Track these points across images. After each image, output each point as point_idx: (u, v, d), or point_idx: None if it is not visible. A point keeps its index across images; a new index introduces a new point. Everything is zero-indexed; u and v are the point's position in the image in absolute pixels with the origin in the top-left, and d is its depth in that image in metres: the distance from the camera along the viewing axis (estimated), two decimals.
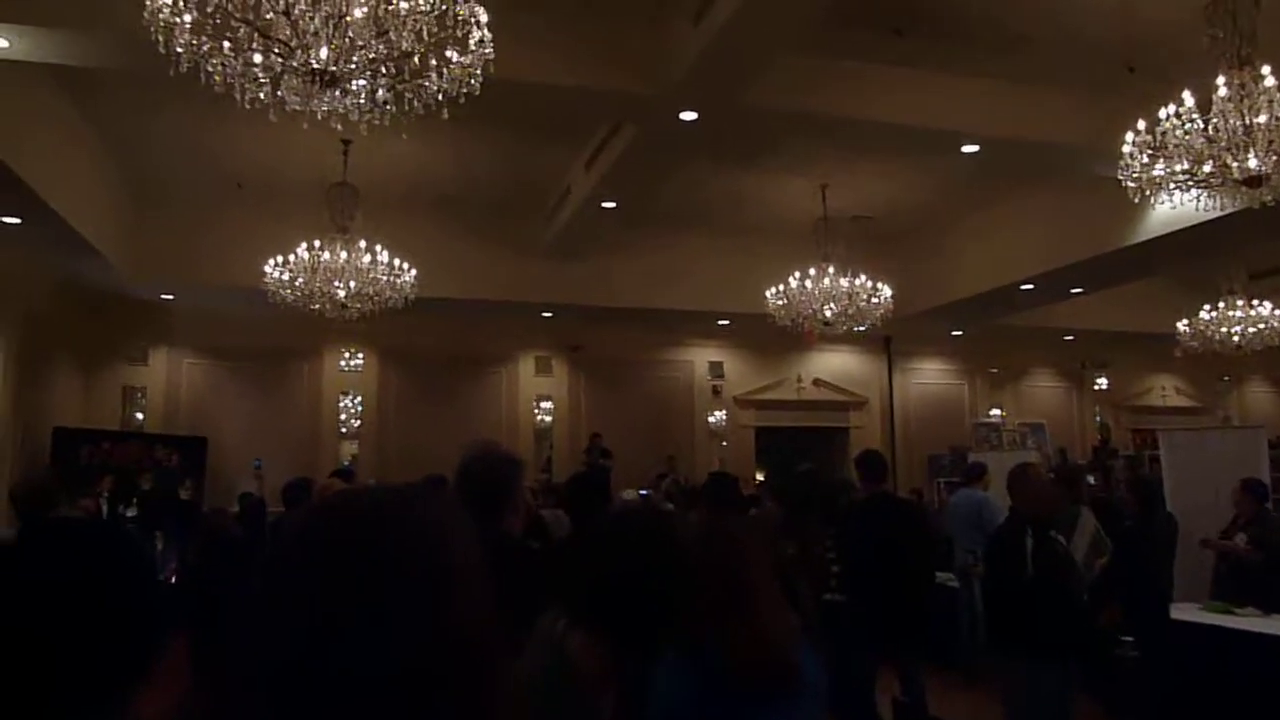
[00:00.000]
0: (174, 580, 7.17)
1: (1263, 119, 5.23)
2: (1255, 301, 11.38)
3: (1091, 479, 9.70)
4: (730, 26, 6.12)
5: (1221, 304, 11.43)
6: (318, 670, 0.80)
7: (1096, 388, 16.65)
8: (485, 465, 2.90)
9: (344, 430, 13.20)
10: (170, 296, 11.93)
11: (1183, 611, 6.23)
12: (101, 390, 12.34)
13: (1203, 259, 10.82)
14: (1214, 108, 5.37)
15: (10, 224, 8.48)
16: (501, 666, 0.90)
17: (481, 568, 0.90)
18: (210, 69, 4.22)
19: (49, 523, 3.58)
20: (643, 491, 10.50)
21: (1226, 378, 17.20)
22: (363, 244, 8.69)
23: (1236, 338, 11.38)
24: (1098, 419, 16.58)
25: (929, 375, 16.00)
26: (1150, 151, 5.66)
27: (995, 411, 15.76)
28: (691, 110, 7.44)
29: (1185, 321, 11.70)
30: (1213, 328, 11.43)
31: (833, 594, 6.49)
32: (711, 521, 2.10)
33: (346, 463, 12.20)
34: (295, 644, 0.81)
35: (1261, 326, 11.33)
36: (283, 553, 0.89)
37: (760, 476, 14.78)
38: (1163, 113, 5.60)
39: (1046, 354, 16.25)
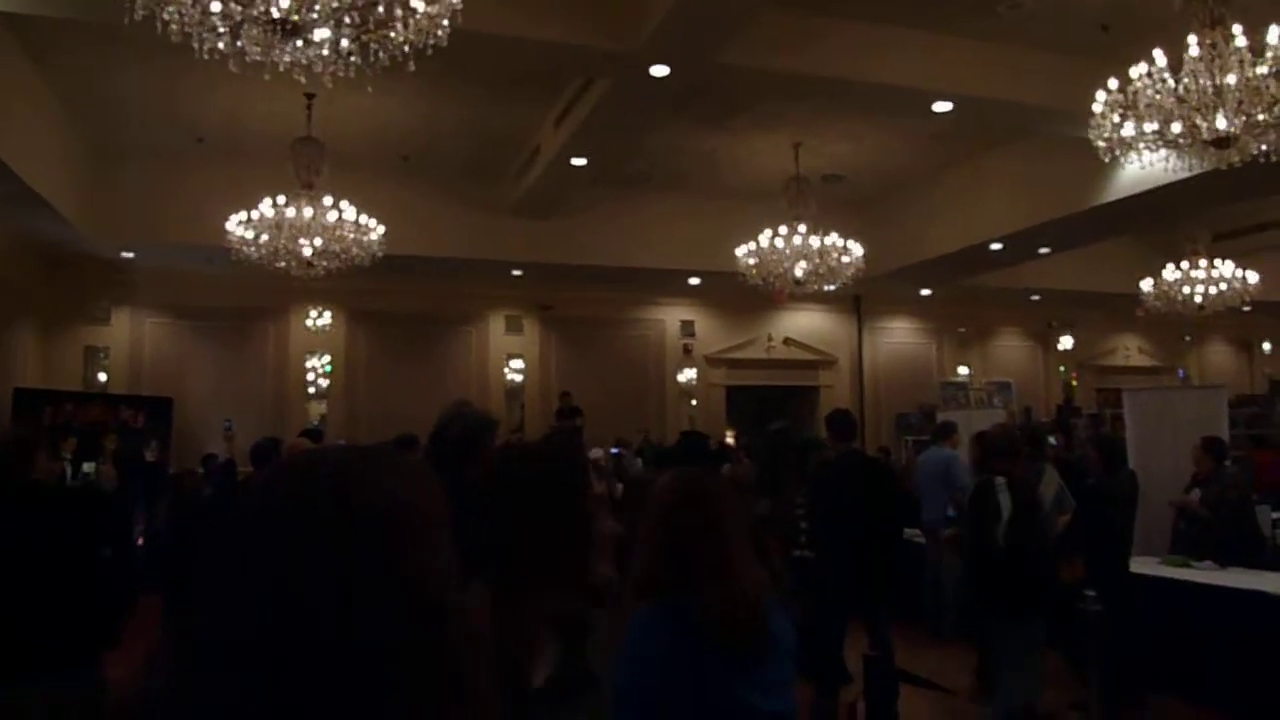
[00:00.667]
0: (142, 542, 7.11)
1: (1232, 79, 5.24)
2: (1218, 261, 11.50)
3: (1053, 438, 9.82)
4: None
5: (1185, 264, 11.55)
6: (283, 631, 0.78)
7: (1062, 347, 16.84)
8: (460, 425, 2.89)
9: (312, 390, 13.08)
10: (131, 255, 11.70)
11: (1143, 565, 6.35)
12: (63, 351, 12.12)
13: (1170, 220, 10.92)
14: (1185, 67, 5.37)
15: None
16: (468, 626, 0.89)
17: (447, 527, 0.89)
18: (166, 17, 4.09)
19: (26, 487, 3.50)
20: (614, 450, 10.51)
21: (1188, 338, 17.46)
22: (328, 200, 8.53)
23: (1199, 298, 11.52)
24: (1063, 378, 16.78)
25: (898, 335, 16.10)
26: (1121, 111, 5.66)
27: (963, 370, 15.91)
28: (663, 65, 7.35)
29: (1149, 281, 11.83)
30: (1176, 288, 11.55)
31: (802, 550, 6.55)
32: (688, 478, 2.06)
33: (315, 423, 12.11)
34: (261, 605, 0.79)
35: (1223, 287, 11.47)
36: (245, 513, 0.87)
37: (730, 435, 14.87)
38: (1134, 72, 5.60)
39: (1014, 314, 16.39)
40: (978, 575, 4.45)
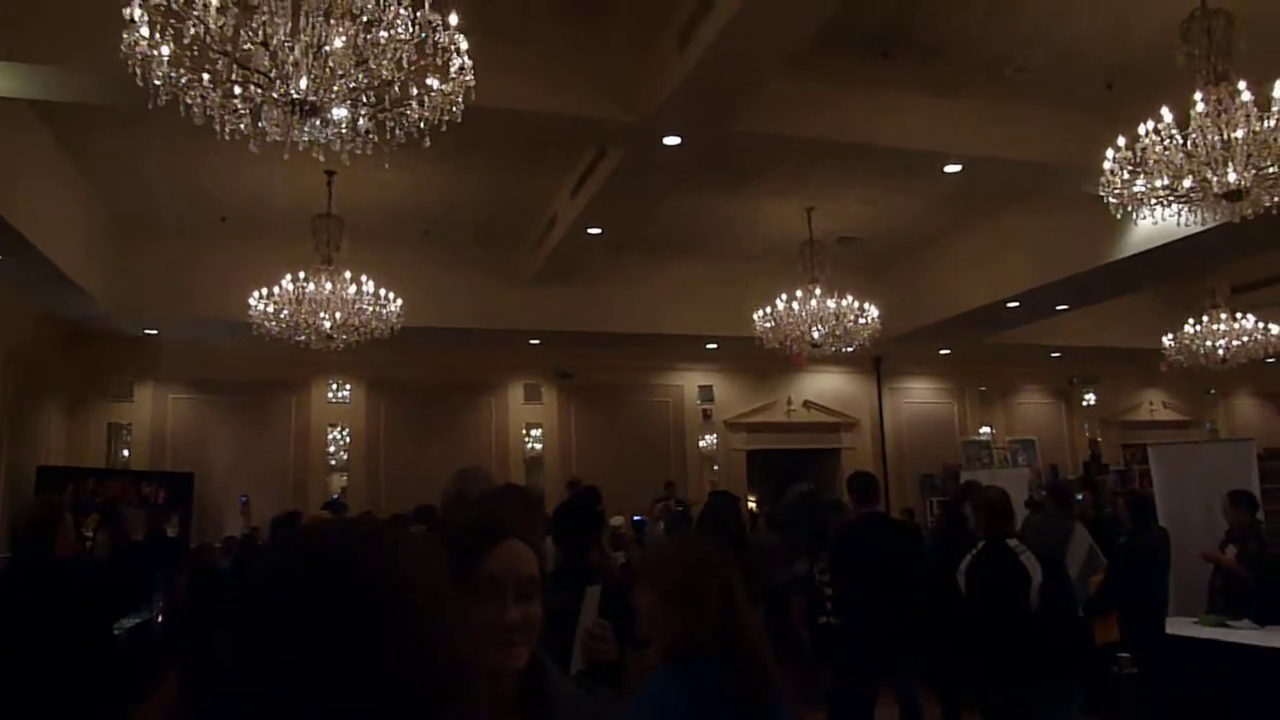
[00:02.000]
0: (160, 618, 7.09)
1: (1240, 134, 5.27)
2: (1238, 315, 11.44)
3: (1081, 496, 9.69)
4: (714, 51, 6.14)
5: (1205, 318, 11.49)
6: (291, 706, 0.79)
7: (1085, 403, 16.69)
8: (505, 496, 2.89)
9: (333, 462, 13.12)
10: (154, 331, 11.87)
11: (1179, 625, 6.21)
12: (86, 428, 12.24)
13: (1186, 273, 10.89)
14: (1192, 123, 5.41)
15: None
16: (479, 694, 0.89)
17: (454, 598, 0.90)
18: (189, 101, 4.21)
19: (50, 562, 3.52)
20: (636, 519, 10.43)
21: (1213, 391, 17.28)
22: (348, 274, 8.65)
23: (1221, 351, 11.42)
24: (1088, 435, 16.60)
25: (919, 394, 16.02)
26: (1131, 168, 5.70)
27: (985, 429, 15.78)
28: (675, 135, 7.46)
29: (1170, 336, 11.75)
30: (1197, 341, 11.47)
31: (828, 617, 6.45)
32: (703, 544, 2.13)
33: (336, 495, 12.12)
34: (266, 677, 0.80)
35: (1245, 339, 11.38)
36: (252, 580, 0.88)
37: (752, 500, 14.74)
38: (1142, 129, 5.64)
39: (1035, 371, 16.29)
40: (1007, 646, 4.30)
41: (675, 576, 2.09)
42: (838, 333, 10.25)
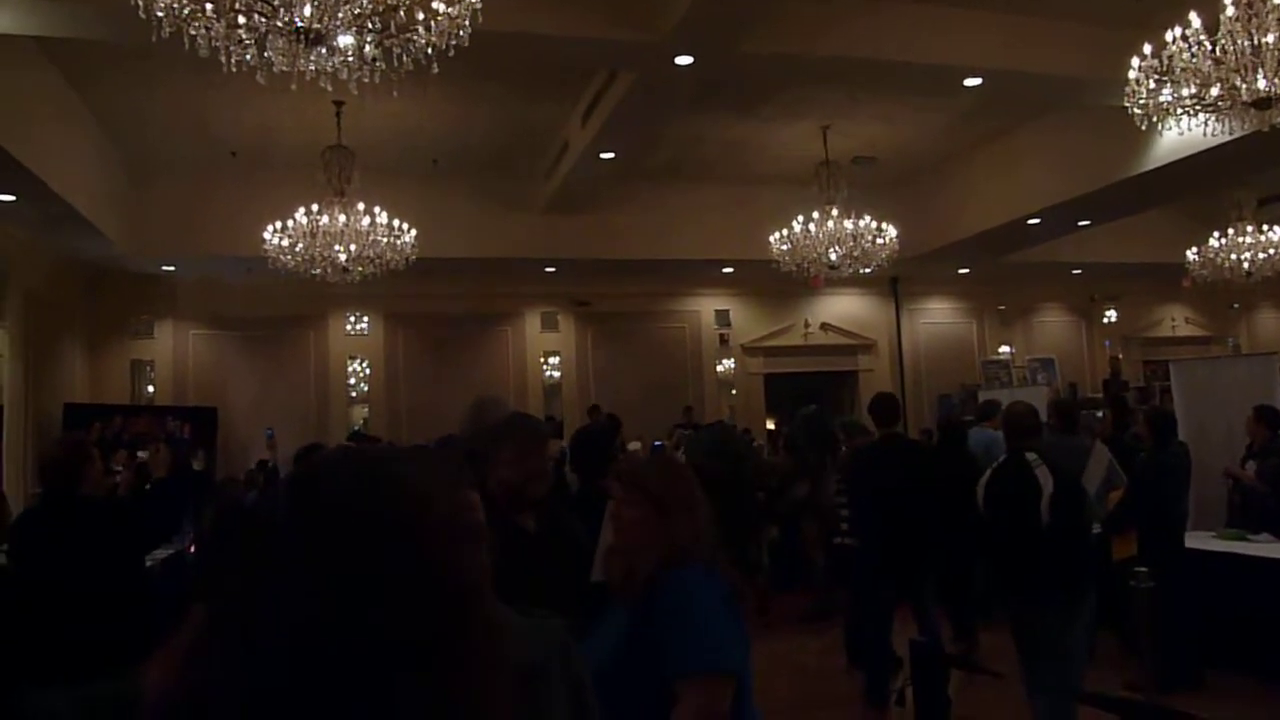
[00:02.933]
0: (191, 551, 7.24)
1: (1271, 38, 5.11)
2: (1265, 227, 11.24)
3: (1100, 413, 9.65)
4: None
5: (1230, 231, 11.30)
6: (314, 624, 0.81)
7: (1106, 321, 16.55)
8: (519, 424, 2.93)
9: (354, 394, 13.24)
10: (171, 268, 11.91)
11: (1198, 540, 6.24)
12: (110, 366, 12.37)
13: (1211, 186, 10.68)
14: (1221, 29, 5.24)
15: (6, 201, 8.42)
16: (496, 620, 0.91)
17: (469, 525, 0.91)
18: (193, 32, 4.14)
19: (75, 500, 3.58)
20: (656, 444, 10.54)
21: (1236, 306, 17.08)
22: (361, 206, 8.64)
23: (1246, 264, 11.27)
24: (1109, 352, 16.51)
25: (937, 315, 15.93)
26: (1157, 77, 5.55)
27: (1005, 349, 15.71)
28: (688, 55, 7.31)
29: (1194, 250, 11.59)
30: (1222, 255, 11.31)
31: (843, 538, 6.52)
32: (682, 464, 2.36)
33: (358, 426, 12.27)
34: (290, 602, 0.82)
35: (1271, 252, 11.21)
36: (280, 511, 0.90)
37: (770, 424, 14.82)
38: (1169, 36, 5.48)
39: (1055, 289, 16.13)
40: (1017, 556, 4.35)
41: (679, 490, 2.25)
42: (855, 254, 10.17)
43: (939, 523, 5.44)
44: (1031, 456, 4.39)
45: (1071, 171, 10.36)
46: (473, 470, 1.65)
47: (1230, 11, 5.20)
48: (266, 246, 8.79)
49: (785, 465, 9.13)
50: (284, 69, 4.40)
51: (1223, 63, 5.26)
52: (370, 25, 4.23)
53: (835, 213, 10.13)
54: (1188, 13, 5.44)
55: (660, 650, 2.00)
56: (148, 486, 4.37)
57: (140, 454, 8.87)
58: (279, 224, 8.77)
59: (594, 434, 5.16)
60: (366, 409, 13.20)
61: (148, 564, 5.95)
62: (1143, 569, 4.85)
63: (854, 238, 10.09)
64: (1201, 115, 5.57)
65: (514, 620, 1.29)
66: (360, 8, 4.12)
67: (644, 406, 12.98)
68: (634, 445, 9.18)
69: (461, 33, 4.44)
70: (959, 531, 5.21)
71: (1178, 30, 5.44)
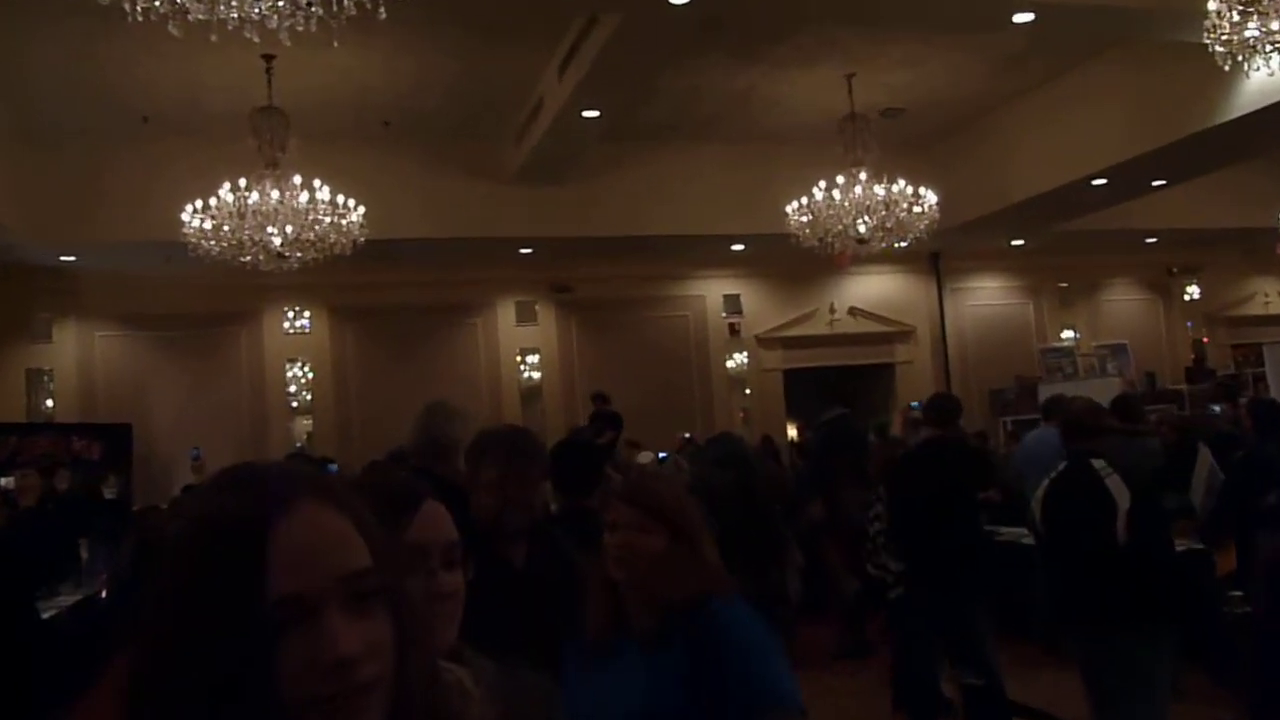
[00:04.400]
0: (105, 594, 7.22)
1: None
2: None
3: (1219, 408, 9.66)
4: None
5: None
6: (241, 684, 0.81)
7: (1187, 298, 16.58)
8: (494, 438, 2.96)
9: (295, 404, 13.23)
10: (71, 258, 11.80)
11: None
12: (1, 376, 12.32)
13: None
14: None
15: None
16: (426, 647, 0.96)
17: (402, 546, 0.95)
18: None
19: None
20: (662, 455, 10.54)
21: None
22: (297, 179, 8.62)
23: None
24: (1191, 335, 16.54)
25: (986, 295, 15.95)
26: (1240, 8, 5.56)
27: (1067, 333, 15.74)
28: None
29: None
30: None
31: (880, 566, 6.52)
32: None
33: (300, 444, 12.25)
34: (212, 635, 0.82)
35: None
36: (181, 535, 0.91)
37: (793, 431, 14.83)
38: None
39: (1126, 261, 16.15)
40: (1087, 583, 4.33)
41: (696, 514, 2.39)
42: (888, 225, 10.17)
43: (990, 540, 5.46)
44: (1099, 464, 4.39)
45: (1142, 122, 10.36)
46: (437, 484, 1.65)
47: None
48: (186, 230, 8.76)
49: (785, 482, 9.11)
50: (201, 17, 4.38)
51: None
52: None
53: (863, 176, 10.12)
54: None
55: (719, 692, 2.12)
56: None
57: (2, 481, 8.82)
58: (200, 203, 8.73)
59: (580, 444, 5.15)
60: (310, 422, 13.19)
61: (50, 611, 5.90)
62: (1237, 592, 4.86)
63: (886, 205, 10.09)
64: None
65: (495, 677, 1.30)
66: None
67: (641, 411, 12.95)
68: (644, 457, 9.21)
69: None
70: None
71: None
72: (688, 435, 12.19)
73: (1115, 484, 4.29)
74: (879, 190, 10.09)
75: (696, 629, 2.18)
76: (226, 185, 8.62)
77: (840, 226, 10.17)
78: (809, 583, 8.94)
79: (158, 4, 4.24)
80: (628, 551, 2.29)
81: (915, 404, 9.85)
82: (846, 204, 10.08)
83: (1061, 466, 4.63)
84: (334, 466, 10.08)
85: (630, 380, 13.69)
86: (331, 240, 8.79)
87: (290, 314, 13.24)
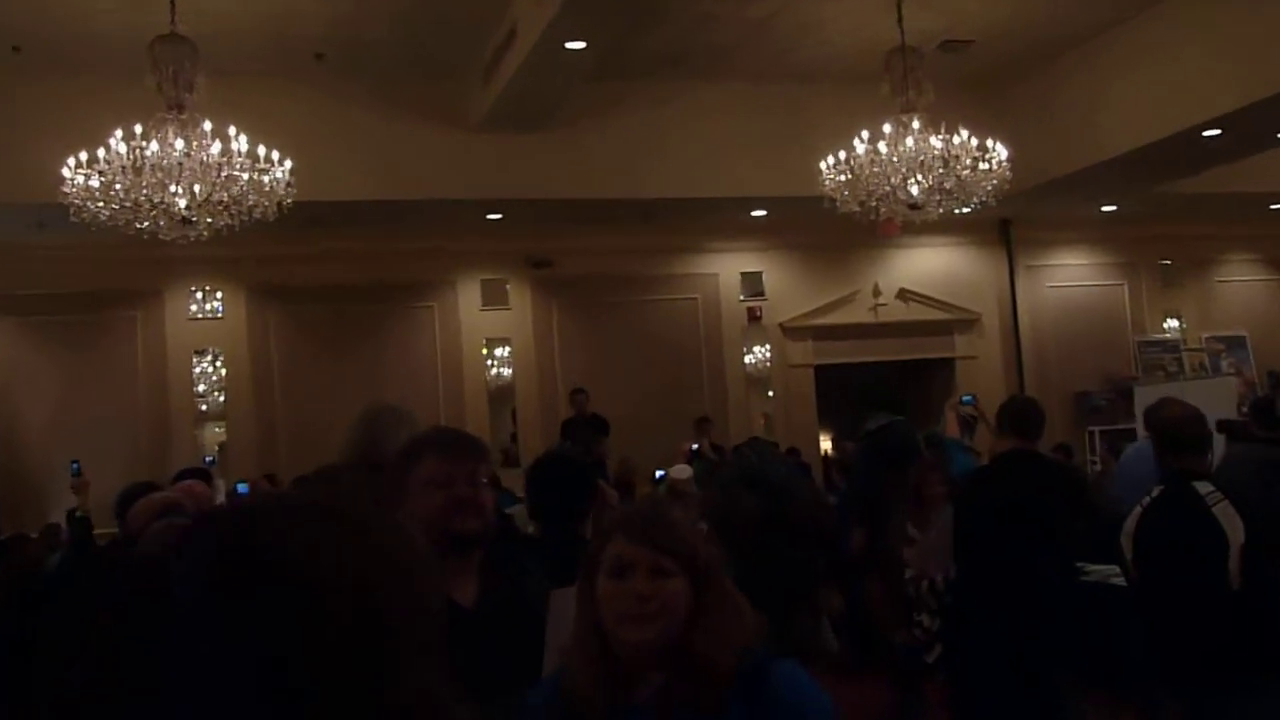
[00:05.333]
0: None
1: None
2: None
3: None
4: None
5: None
6: None
7: None
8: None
9: (204, 407, 13.22)
10: None
11: None
12: None
13: None
14: None
15: None
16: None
17: (430, 614, 1.00)
18: None
19: None
20: (659, 474, 10.55)
21: None
22: (208, 126, 8.57)
23: None
24: None
25: (1070, 274, 15.95)
26: None
27: (1171, 322, 15.74)
28: None
29: None
30: None
31: (929, 613, 6.52)
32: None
33: (209, 459, 12.23)
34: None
35: None
36: (140, 617, 0.95)
37: (826, 443, 14.83)
38: None
39: (1246, 232, 16.14)
40: (1194, 629, 4.34)
41: (714, 551, 2.43)
42: (947, 186, 10.15)
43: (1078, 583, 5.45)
44: (1205, 488, 4.39)
45: (1268, 59, 10.35)
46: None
47: None
48: (67, 188, 8.70)
49: (837, 502, 9.14)
50: None
51: None
52: None
53: (917, 125, 10.09)
54: None
55: None
56: None
57: None
58: (85, 155, 8.68)
59: (565, 458, 5.12)
60: (223, 430, 13.18)
61: None
62: None
63: (945, 161, 10.07)
64: None
65: None
66: None
67: (638, 417, 12.96)
68: (681, 471, 9.29)
69: None
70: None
71: None
72: (695, 447, 12.14)
73: (1225, 513, 4.28)
74: (936, 142, 10.06)
75: (749, 697, 2.17)
76: (119, 133, 8.57)
77: (887, 187, 10.14)
78: (849, 632, 8.97)
79: None
80: (656, 604, 2.23)
81: (968, 397, 9.83)
82: (895, 159, 10.06)
83: (1156, 491, 4.63)
84: (243, 487, 10.10)
85: (624, 379, 13.70)
86: (251, 202, 8.75)
87: (198, 295, 13.24)
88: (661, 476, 10.52)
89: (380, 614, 0.94)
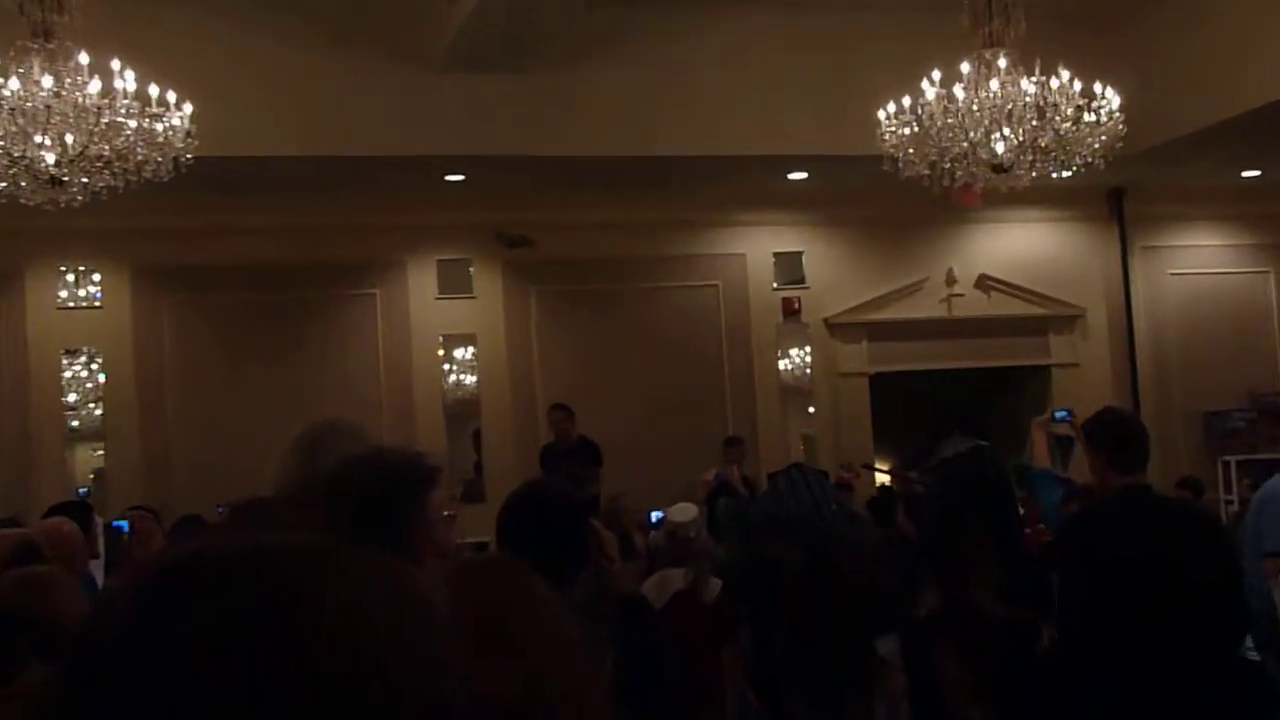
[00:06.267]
0: None
1: None
2: None
3: None
4: None
5: None
6: None
7: None
8: (357, 473, 2.91)
9: (75, 423, 13.22)
10: None
11: None
12: None
13: None
14: None
15: None
16: None
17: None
18: None
19: None
20: (654, 516, 10.51)
21: None
22: (84, 59, 8.57)
23: None
24: None
25: (1200, 258, 15.94)
26: None
27: None
28: None
29: None
30: None
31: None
32: None
33: (83, 490, 12.21)
34: None
35: None
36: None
37: (883, 469, 14.79)
38: None
39: None
40: None
41: None
42: (1042, 143, 10.13)
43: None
44: None
45: None
46: None
47: None
48: None
49: (904, 551, 9.12)
50: None
51: None
52: None
53: (1004, 64, 10.08)
54: None
55: None
56: None
57: None
58: None
59: (549, 496, 5.04)
60: (102, 451, 13.16)
61: None
62: None
63: (1040, 112, 10.05)
64: None
65: None
66: None
67: (637, 443, 12.94)
68: (683, 513, 9.20)
69: None
70: None
71: None
72: (721, 476, 12.09)
73: None
74: (1028, 86, 10.04)
75: None
76: None
77: (964, 144, 10.12)
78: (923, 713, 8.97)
79: None
80: None
81: (1063, 412, 9.77)
82: (975, 109, 10.03)
83: None
84: (122, 524, 10.06)
85: (622, 392, 13.73)
86: (141, 158, 8.74)
87: (70, 277, 13.24)
88: (658, 520, 10.46)
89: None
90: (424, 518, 2.90)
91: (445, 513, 2.87)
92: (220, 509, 8.54)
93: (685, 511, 8.88)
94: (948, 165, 10.30)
